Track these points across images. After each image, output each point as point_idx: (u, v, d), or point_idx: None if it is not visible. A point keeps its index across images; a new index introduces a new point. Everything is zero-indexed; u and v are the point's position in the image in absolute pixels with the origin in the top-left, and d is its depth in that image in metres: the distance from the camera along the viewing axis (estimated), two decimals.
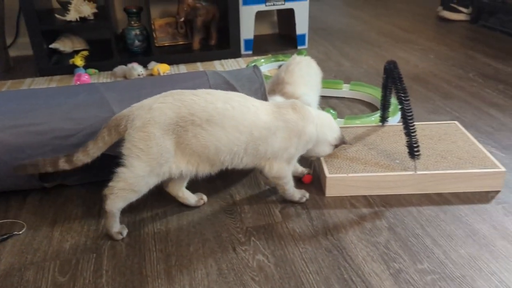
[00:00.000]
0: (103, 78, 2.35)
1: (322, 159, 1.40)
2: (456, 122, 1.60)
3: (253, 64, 1.82)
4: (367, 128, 1.59)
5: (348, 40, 2.86)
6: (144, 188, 1.17)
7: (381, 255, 1.12)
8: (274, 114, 1.21)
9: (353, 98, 1.99)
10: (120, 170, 1.13)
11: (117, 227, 1.20)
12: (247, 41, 2.69)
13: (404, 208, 1.28)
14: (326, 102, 1.95)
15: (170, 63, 2.51)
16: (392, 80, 1.33)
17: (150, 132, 1.11)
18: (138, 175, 1.13)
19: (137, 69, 2.31)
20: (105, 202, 1.16)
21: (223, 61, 2.58)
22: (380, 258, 1.11)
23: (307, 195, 1.33)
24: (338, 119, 1.69)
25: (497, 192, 1.33)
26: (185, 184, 1.31)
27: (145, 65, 2.43)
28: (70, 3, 2.39)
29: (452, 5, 3.17)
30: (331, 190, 1.34)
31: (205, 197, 1.34)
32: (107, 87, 1.38)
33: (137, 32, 2.54)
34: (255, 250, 1.15)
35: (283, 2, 2.64)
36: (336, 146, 1.33)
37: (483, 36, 2.83)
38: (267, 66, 2.37)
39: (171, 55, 2.58)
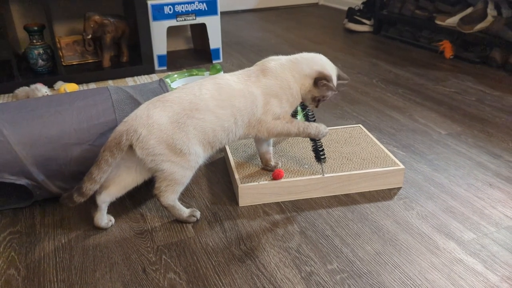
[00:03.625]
0: (3, 101, 2.18)
1: (233, 167, 1.40)
2: (360, 125, 1.68)
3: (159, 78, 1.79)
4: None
5: (262, 53, 2.92)
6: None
7: (293, 260, 1.13)
8: (246, 82, 1.24)
9: None
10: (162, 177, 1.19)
11: (186, 211, 1.27)
12: (160, 57, 2.65)
13: (314, 211, 1.31)
14: None
15: (79, 82, 2.40)
16: None
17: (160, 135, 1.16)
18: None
19: (41, 90, 2.17)
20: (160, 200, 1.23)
21: (136, 77, 2.51)
22: (292, 263, 1.12)
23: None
24: None
25: (399, 188, 1.41)
26: (117, 196, 1.25)
27: (51, 85, 2.30)
28: None
29: (356, 17, 3.37)
30: (244, 200, 1.34)
31: (112, 218, 1.27)
32: None
33: (41, 51, 2.40)
34: (166, 269, 1.11)
35: (194, 17, 2.64)
36: (316, 81, 1.25)
37: (384, 45, 3.03)
38: (181, 81, 2.34)
39: (80, 74, 2.46)
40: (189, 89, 1.21)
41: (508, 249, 1.15)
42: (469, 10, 2.69)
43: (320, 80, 1.25)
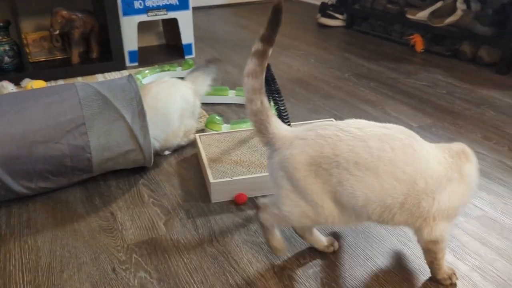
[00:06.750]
0: None
1: (205, 163, 1.38)
2: (332, 119, 1.69)
3: (128, 74, 1.75)
4: (252, 131, 1.61)
5: (235, 48, 2.90)
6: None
7: (265, 255, 1.12)
8: (447, 161, 0.95)
9: (240, 104, 2.01)
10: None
11: (277, 240, 1.08)
12: (131, 53, 2.60)
13: None
14: (213, 109, 1.95)
15: (47, 79, 2.33)
16: (266, 82, 1.35)
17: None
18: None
19: (7, 87, 2.10)
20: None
21: (106, 74, 2.45)
22: (265, 258, 1.11)
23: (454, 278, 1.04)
24: (225, 125, 1.69)
25: None
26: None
27: (17, 83, 2.22)
28: None
29: (329, 12, 3.38)
30: (217, 196, 1.32)
31: (336, 244, 1.14)
32: None
33: (6, 47, 2.32)
34: (136, 268, 1.08)
35: (165, 12, 2.60)
36: None
37: (357, 40, 3.05)
38: (152, 77, 2.30)
39: (48, 71, 2.39)
40: (367, 133, 0.92)
41: (478, 239, 1.17)
42: (439, 4, 2.73)
43: None
